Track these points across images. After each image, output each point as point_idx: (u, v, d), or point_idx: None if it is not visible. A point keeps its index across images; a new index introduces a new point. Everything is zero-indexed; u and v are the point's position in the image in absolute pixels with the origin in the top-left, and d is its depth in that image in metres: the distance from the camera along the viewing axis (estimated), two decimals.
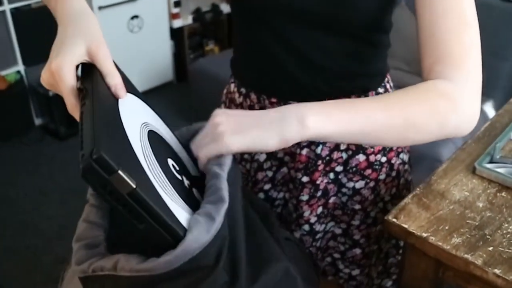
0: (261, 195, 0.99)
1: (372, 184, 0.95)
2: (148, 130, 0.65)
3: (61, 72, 0.61)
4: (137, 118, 0.64)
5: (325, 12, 0.79)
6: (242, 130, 0.66)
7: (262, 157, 0.96)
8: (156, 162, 0.59)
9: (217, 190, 0.61)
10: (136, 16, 3.07)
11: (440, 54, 0.71)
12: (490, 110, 2.51)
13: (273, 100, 0.91)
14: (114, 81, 0.64)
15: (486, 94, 2.53)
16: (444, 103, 0.68)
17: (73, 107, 0.62)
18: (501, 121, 1.15)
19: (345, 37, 0.83)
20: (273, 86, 0.91)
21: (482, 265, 0.79)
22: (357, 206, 0.96)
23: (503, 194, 0.93)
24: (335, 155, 0.91)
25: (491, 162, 0.99)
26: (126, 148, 0.54)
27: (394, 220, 0.88)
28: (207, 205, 0.59)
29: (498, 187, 0.95)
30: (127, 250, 0.56)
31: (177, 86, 3.46)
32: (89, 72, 0.63)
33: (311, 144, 0.90)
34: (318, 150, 0.90)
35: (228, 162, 0.66)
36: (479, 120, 0.72)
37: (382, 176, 0.95)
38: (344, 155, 0.91)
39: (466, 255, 0.81)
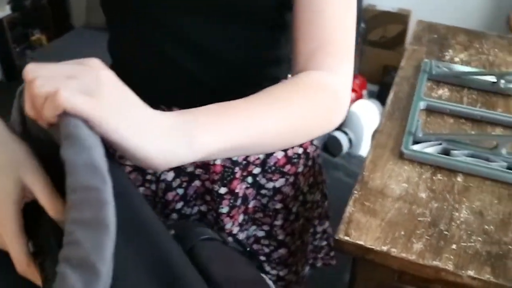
0: (174, 215, 0.86)
1: (292, 179, 0.86)
2: None
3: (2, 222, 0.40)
4: None
5: (233, 7, 0.67)
6: (124, 111, 0.45)
7: (170, 176, 0.82)
8: None
9: (93, 195, 0.36)
10: None
11: (322, 42, 0.64)
12: None
13: (175, 109, 0.76)
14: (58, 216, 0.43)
15: None
16: (330, 101, 0.64)
17: (25, 268, 0.41)
18: (403, 90, 1.08)
19: (252, 22, 0.71)
20: (171, 91, 0.76)
21: (454, 270, 0.72)
22: (279, 205, 0.87)
23: (439, 176, 0.87)
24: (252, 157, 0.81)
25: (414, 141, 0.92)
26: None
27: (347, 238, 0.76)
28: (78, 233, 0.34)
29: (431, 169, 0.88)
30: None
31: (8, 85, 2.99)
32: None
33: None
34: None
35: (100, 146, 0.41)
36: None
37: (300, 169, 0.87)
38: (262, 156, 0.81)
39: (435, 262, 0.72)
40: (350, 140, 2.57)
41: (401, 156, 0.90)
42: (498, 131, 0.98)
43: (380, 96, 2.77)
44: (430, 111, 1.02)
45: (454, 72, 1.09)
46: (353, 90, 2.71)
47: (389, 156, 0.90)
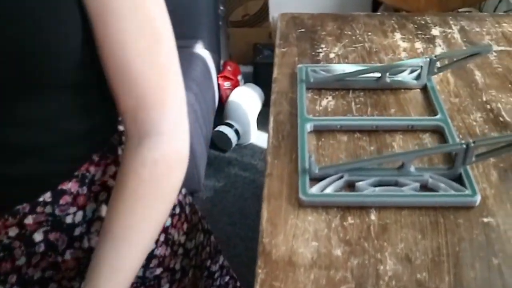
0: None
1: (162, 237, 0.77)
2: None
3: None
4: None
5: (14, 73, 0.52)
6: None
7: None
8: None
9: None
10: None
11: (138, 96, 0.59)
12: (203, 52, 2.35)
13: None
14: None
15: (194, 36, 2.36)
16: (175, 175, 0.64)
17: None
18: (283, 111, 0.92)
19: (54, 92, 0.58)
20: None
21: None
22: (159, 271, 0.78)
23: (350, 220, 0.73)
24: None
25: (311, 178, 0.77)
26: None
27: None
28: None
29: (340, 212, 0.74)
30: None
31: None
32: None
33: (73, 241, 0.69)
34: (85, 243, 0.70)
35: None
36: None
37: (167, 223, 0.77)
38: None
39: None
40: (237, 132, 2.43)
41: (301, 205, 0.75)
42: (397, 137, 0.86)
43: (256, 77, 2.65)
44: (319, 131, 0.87)
45: (334, 76, 0.95)
46: (228, 78, 2.56)
47: (287, 208, 0.75)
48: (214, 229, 0.97)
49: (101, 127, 0.68)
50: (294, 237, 0.71)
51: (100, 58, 0.58)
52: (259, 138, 2.52)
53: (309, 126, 0.86)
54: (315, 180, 0.77)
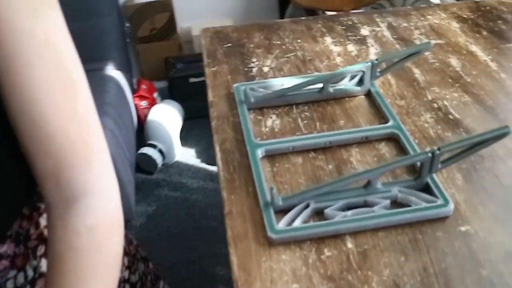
0: None
1: None
2: None
3: None
4: None
5: None
6: None
7: None
8: None
9: None
10: None
11: (58, 155, 0.51)
12: (115, 73, 2.23)
13: None
14: None
15: (103, 58, 2.22)
16: (115, 240, 0.57)
17: None
18: (228, 138, 0.85)
19: None
20: None
21: None
22: None
23: (327, 252, 0.67)
24: None
25: (276, 211, 0.71)
26: None
27: None
28: None
29: (314, 245, 0.68)
30: None
31: None
32: None
33: None
34: None
35: None
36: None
37: None
38: None
39: None
40: (161, 151, 2.33)
41: (271, 243, 0.68)
42: (354, 151, 0.81)
43: (172, 92, 2.55)
44: (271, 156, 0.81)
45: (275, 92, 0.89)
46: (144, 97, 2.44)
47: (257, 249, 0.68)
48: (154, 256, 0.92)
49: (26, 178, 0.60)
50: (272, 282, 0.64)
51: (9, 115, 0.50)
52: (184, 155, 2.43)
53: (260, 152, 0.80)
54: (280, 212, 0.71)
